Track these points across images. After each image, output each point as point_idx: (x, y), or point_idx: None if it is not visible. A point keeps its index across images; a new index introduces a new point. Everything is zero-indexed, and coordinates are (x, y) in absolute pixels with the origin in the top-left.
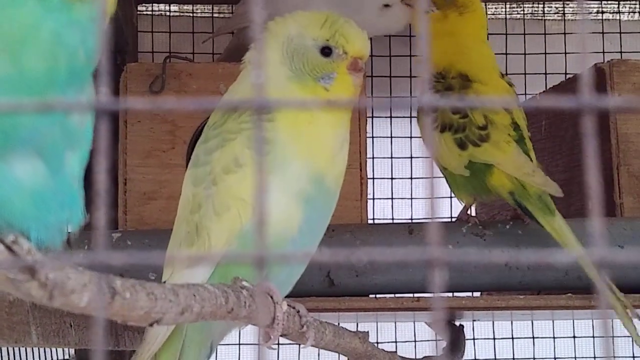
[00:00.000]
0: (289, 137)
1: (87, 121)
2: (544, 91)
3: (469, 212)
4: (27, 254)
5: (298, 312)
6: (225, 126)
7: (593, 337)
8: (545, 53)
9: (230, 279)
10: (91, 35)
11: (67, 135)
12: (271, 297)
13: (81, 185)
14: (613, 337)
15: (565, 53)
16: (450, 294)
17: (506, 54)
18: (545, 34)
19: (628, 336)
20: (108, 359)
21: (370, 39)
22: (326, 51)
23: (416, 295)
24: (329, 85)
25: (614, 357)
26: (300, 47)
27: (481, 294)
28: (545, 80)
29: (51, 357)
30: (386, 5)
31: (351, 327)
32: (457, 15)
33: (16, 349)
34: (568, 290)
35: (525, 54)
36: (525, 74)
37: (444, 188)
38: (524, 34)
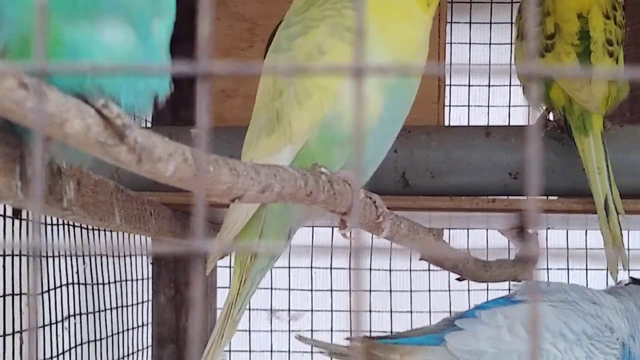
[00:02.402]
0: (373, 24)
1: None
2: None
3: (547, 117)
4: (116, 118)
5: (374, 202)
6: (309, 13)
7: None
8: None
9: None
10: None
11: (155, 3)
12: (349, 185)
13: (168, 55)
14: None
15: None
16: (525, 197)
17: None
18: None
19: None
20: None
21: None
22: None
23: (491, 197)
24: None
25: None
26: None
27: (558, 198)
28: None
29: (131, 274)
30: None
31: None
32: None
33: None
34: None
35: None
36: None
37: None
38: None
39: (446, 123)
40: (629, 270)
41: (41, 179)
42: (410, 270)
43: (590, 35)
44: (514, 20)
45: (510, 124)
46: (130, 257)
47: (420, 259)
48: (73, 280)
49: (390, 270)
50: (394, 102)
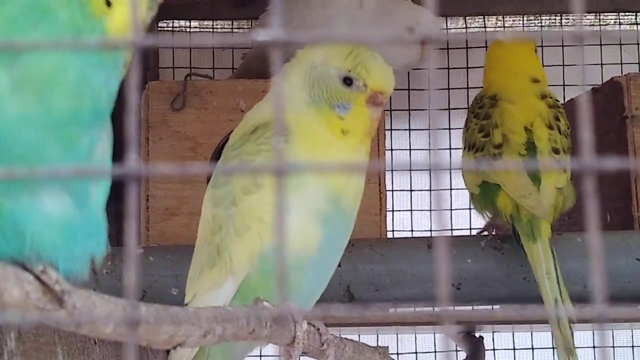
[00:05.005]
0: (300, 155)
1: (107, 154)
2: (562, 103)
3: (494, 225)
4: (55, 284)
5: (318, 330)
6: (244, 147)
7: (613, 347)
8: (563, 65)
9: (252, 300)
10: (114, 78)
11: None
12: (292, 317)
13: (104, 217)
14: (613, 346)
15: (583, 65)
16: (469, 307)
17: None
18: (562, 45)
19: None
20: None
21: None
22: (347, 81)
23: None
24: (344, 115)
25: None
26: (322, 75)
27: (500, 307)
28: (564, 91)
29: None
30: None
31: (371, 338)
32: None
33: None
34: (587, 302)
35: (543, 65)
36: None
37: (463, 200)
38: (542, 46)
39: (389, 228)
40: None
41: None
42: None
43: (536, 145)
44: (451, 126)
45: (454, 227)
46: None
47: None
48: None
49: None
50: (332, 233)
